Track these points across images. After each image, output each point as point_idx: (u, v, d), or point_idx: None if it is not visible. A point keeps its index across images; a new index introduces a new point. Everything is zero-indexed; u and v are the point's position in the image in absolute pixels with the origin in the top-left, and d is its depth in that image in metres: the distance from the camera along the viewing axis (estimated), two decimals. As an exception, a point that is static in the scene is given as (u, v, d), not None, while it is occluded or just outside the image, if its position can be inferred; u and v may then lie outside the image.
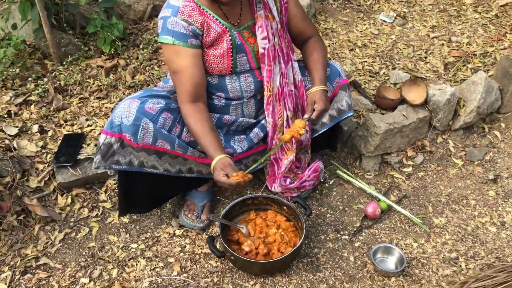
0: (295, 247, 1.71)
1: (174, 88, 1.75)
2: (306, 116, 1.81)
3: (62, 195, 1.98)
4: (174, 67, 1.67)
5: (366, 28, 3.12)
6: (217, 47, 1.70)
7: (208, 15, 1.67)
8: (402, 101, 2.40)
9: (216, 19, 1.68)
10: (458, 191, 2.20)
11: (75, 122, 2.29)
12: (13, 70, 2.52)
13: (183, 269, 1.77)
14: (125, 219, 1.95)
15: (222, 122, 1.86)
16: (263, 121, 1.92)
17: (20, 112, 2.32)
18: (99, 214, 1.97)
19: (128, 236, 1.89)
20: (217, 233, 1.74)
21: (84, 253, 1.81)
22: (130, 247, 1.84)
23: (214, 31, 1.67)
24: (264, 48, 1.76)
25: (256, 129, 1.91)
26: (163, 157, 1.74)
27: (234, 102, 1.83)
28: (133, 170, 1.73)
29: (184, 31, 1.63)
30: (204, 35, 1.67)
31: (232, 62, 1.73)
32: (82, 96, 2.47)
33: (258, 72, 1.81)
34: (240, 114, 1.88)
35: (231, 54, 1.72)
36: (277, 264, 1.72)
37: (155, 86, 2.13)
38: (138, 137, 1.65)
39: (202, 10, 1.66)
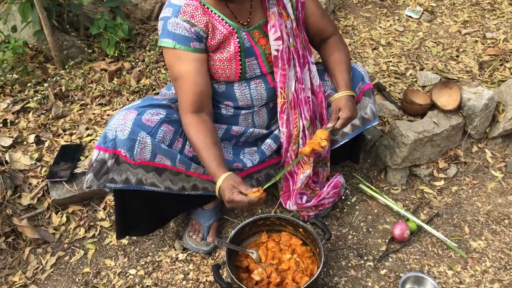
0: (312, 278, 1.50)
1: (176, 96, 1.56)
2: (329, 125, 1.59)
3: (56, 213, 1.82)
4: (175, 73, 1.48)
5: (390, 24, 2.87)
6: (223, 51, 1.50)
7: (213, 15, 1.47)
8: (432, 106, 2.15)
9: (222, 19, 1.47)
10: (498, 208, 1.94)
11: (74, 131, 2.12)
12: (11, 75, 2.37)
13: (185, 301, 1.58)
14: (124, 241, 1.77)
15: (230, 134, 1.66)
16: (276, 132, 1.71)
17: (17, 120, 2.17)
18: (96, 234, 1.79)
19: (127, 260, 1.71)
20: (224, 260, 1.54)
21: (77, 279, 1.64)
22: (128, 274, 1.66)
23: (220, 33, 1.47)
24: (277, 50, 1.55)
25: (268, 140, 1.71)
26: (163, 174, 1.55)
27: (243, 112, 1.63)
28: (130, 188, 1.55)
29: (186, 34, 1.44)
30: (209, 37, 1.48)
31: (240, 67, 1.53)
32: (83, 102, 2.30)
33: (270, 77, 1.60)
34: (250, 125, 1.68)
35: (240, 58, 1.52)
36: (292, 298, 1.52)
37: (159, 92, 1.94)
38: (135, 152, 1.46)
39: (206, 9, 1.46)
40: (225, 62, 1.51)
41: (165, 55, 1.51)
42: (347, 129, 1.81)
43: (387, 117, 2.19)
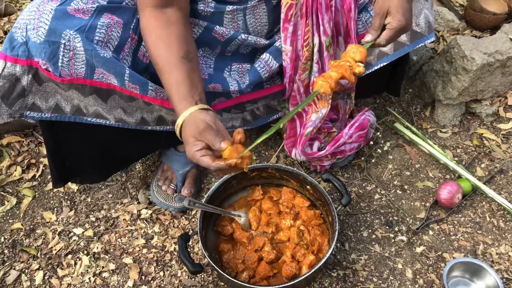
0: (320, 262, 1.05)
1: None
2: (368, 37, 1.01)
3: (-15, 146, 1.37)
4: None
5: None
6: None
7: None
8: (510, 16, 1.52)
9: None
10: None
11: (18, 36, 1.59)
12: None
13: (142, 278, 1.16)
14: (74, 186, 1.33)
15: (211, 36, 1.10)
16: (279, 44, 1.15)
17: None
18: (37, 176, 1.35)
19: (73, 214, 1.28)
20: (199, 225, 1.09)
21: (2, 239, 1.23)
22: (71, 233, 1.24)
23: None
24: None
25: (266, 56, 1.15)
26: (110, 98, 1.05)
27: (230, 8, 1.06)
28: (65, 120, 1.07)
29: None
30: None
31: None
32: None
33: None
34: (241, 28, 1.12)
35: None
36: (288, 289, 1.08)
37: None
38: (60, 64, 0.95)
39: None
40: None
41: None
42: (386, 47, 1.23)
43: (442, 31, 1.59)
